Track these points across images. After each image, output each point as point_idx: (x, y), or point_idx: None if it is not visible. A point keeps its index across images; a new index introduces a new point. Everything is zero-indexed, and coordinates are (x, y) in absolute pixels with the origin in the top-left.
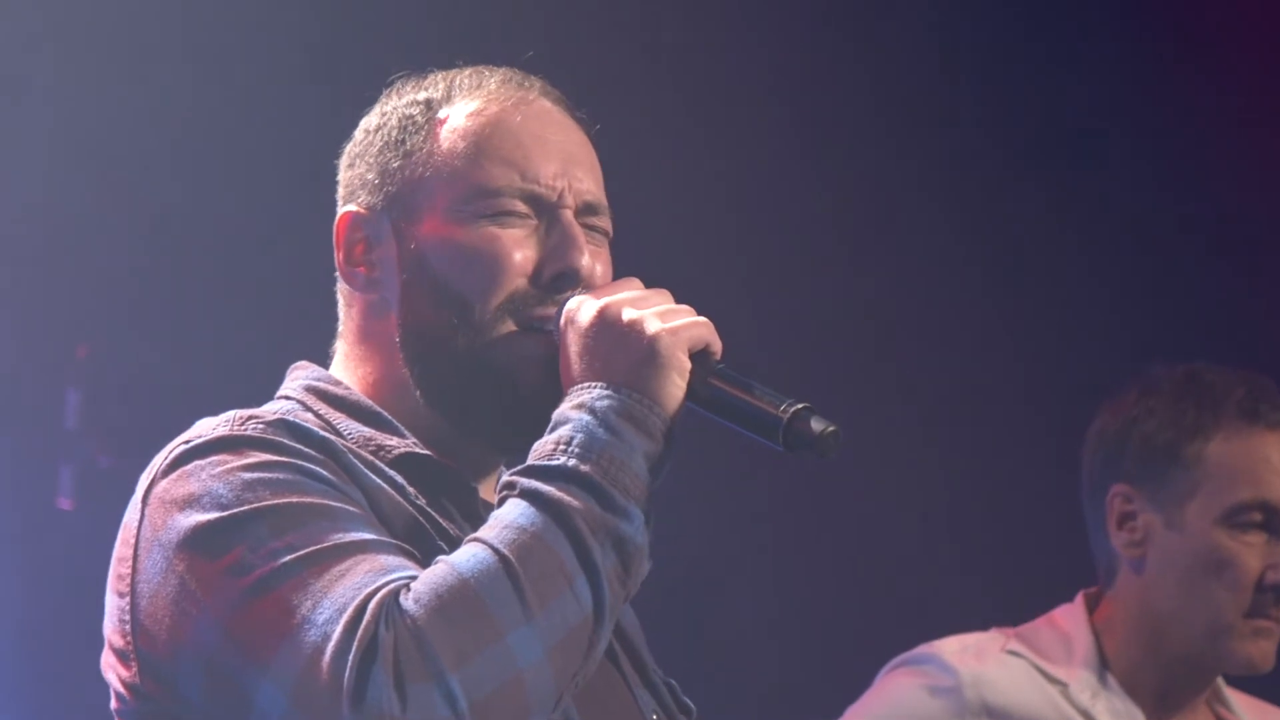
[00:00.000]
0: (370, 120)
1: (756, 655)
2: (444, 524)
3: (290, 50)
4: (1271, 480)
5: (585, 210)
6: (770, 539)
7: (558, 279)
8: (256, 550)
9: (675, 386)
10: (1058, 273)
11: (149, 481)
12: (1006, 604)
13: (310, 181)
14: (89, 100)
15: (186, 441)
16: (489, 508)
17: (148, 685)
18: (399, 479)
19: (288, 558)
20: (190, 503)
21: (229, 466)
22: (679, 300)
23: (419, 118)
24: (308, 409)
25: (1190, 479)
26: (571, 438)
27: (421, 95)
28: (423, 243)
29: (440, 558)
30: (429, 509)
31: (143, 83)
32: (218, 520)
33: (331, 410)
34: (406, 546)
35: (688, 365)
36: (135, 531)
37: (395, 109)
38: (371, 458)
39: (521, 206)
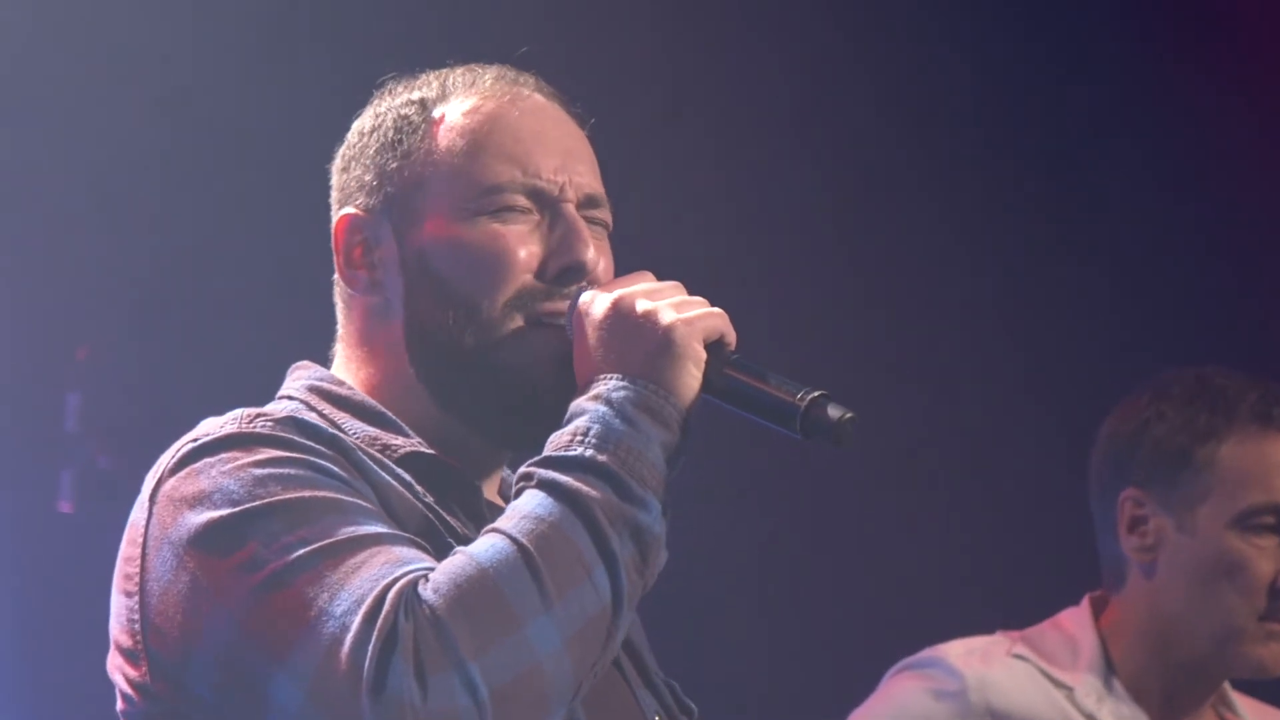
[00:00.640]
0: (363, 122)
1: (759, 658)
2: (451, 522)
3: (289, 52)
4: None
5: (586, 203)
6: (774, 540)
7: (564, 273)
8: (270, 545)
9: (691, 377)
10: (1067, 274)
11: (156, 480)
12: (1011, 607)
13: (310, 183)
14: (89, 102)
15: (194, 440)
16: (493, 507)
17: (158, 685)
18: (406, 477)
19: (302, 551)
20: (201, 500)
21: (240, 463)
22: (690, 293)
23: (415, 118)
24: (311, 409)
25: (1202, 483)
26: (588, 428)
27: (415, 95)
28: (424, 242)
29: (458, 548)
30: (437, 507)
31: (142, 84)
32: (230, 516)
33: (335, 410)
34: (419, 540)
35: (703, 355)
36: (143, 530)
37: (389, 110)
38: (379, 455)
39: (524, 202)
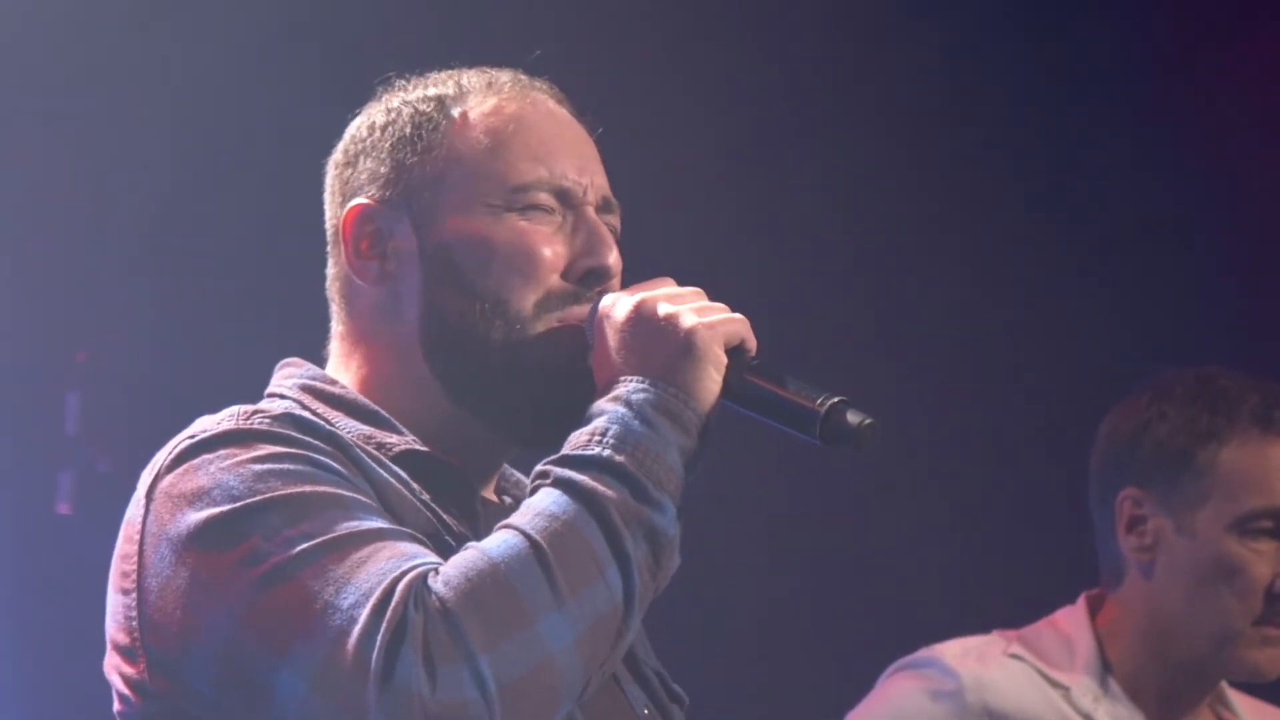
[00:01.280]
0: (373, 118)
1: (755, 657)
2: (448, 520)
3: (289, 54)
4: None
5: (603, 207)
6: (769, 540)
7: (588, 275)
8: (272, 539)
9: (711, 380)
10: (1066, 272)
11: (153, 477)
12: (1007, 605)
13: (311, 186)
14: (87, 105)
15: (191, 436)
16: (489, 505)
17: (156, 682)
18: (403, 474)
19: (305, 545)
20: (200, 496)
21: (238, 459)
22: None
23: (434, 114)
24: (304, 408)
25: (1202, 485)
26: (607, 429)
27: (432, 92)
28: (448, 236)
29: (470, 543)
30: (434, 504)
31: (142, 86)
32: (231, 511)
33: (328, 408)
34: (420, 536)
35: (724, 360)
36: (140, 527)
37: (405, 105)
38: (375, 453)
39: (550, 201)
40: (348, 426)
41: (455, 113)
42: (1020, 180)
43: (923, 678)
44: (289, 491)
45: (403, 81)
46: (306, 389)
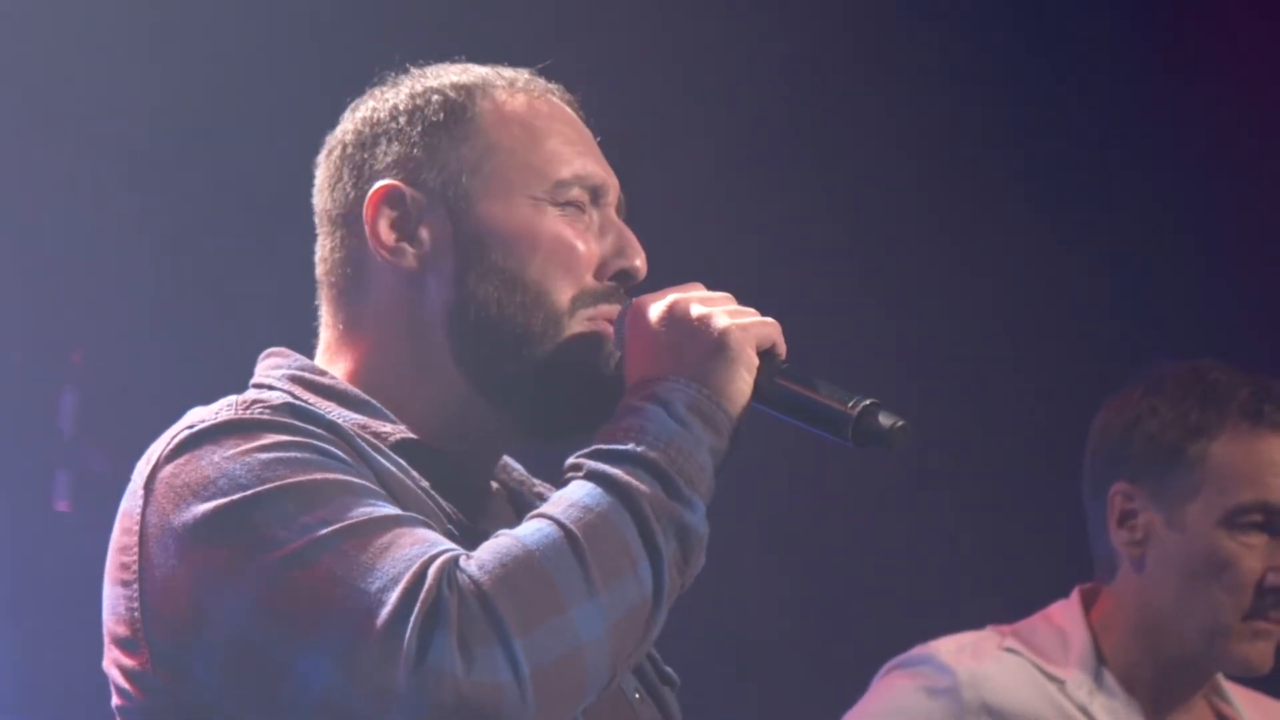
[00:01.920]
0: (394, 102)
1: (752, 658)
2: (448, 508)
3: (287, 54)
4: (1273, 482)
5: (620, 208)
6: (764, 537)
7: (618, 276)
8: (288, 526)
9: (743, 382)
10: (1060, 267)
11: (151, 468)
12: (999, 600)
13: (310, 186)
14: (85, 104)
15: (190, 427)
16: (486, 495)
17: (158, 674)
18: (402, 462)
19: (323, 531)
20: (205, 486)
21: (242, 449)
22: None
23: (466, 103)
24: (296, 398)
25: (1192, 479)
26: (642, 425)
27: (457, 80)
28: (486, 225)
29: (502, 530)
30: (434, 492)
31: (137, 87)
32: (240, 500)
33: (319, 399)
34: (431, 523)
35: (755, 361)
36: (139, 519)
37: (431, 92)
38: (374, 440)
39: (583, 198)
40: (341, 415)
41: (487, 104)
42: (1021, 178)
43: (919, 675)
44: (299, 479)
45: (414, 70)
46: (295, 380)
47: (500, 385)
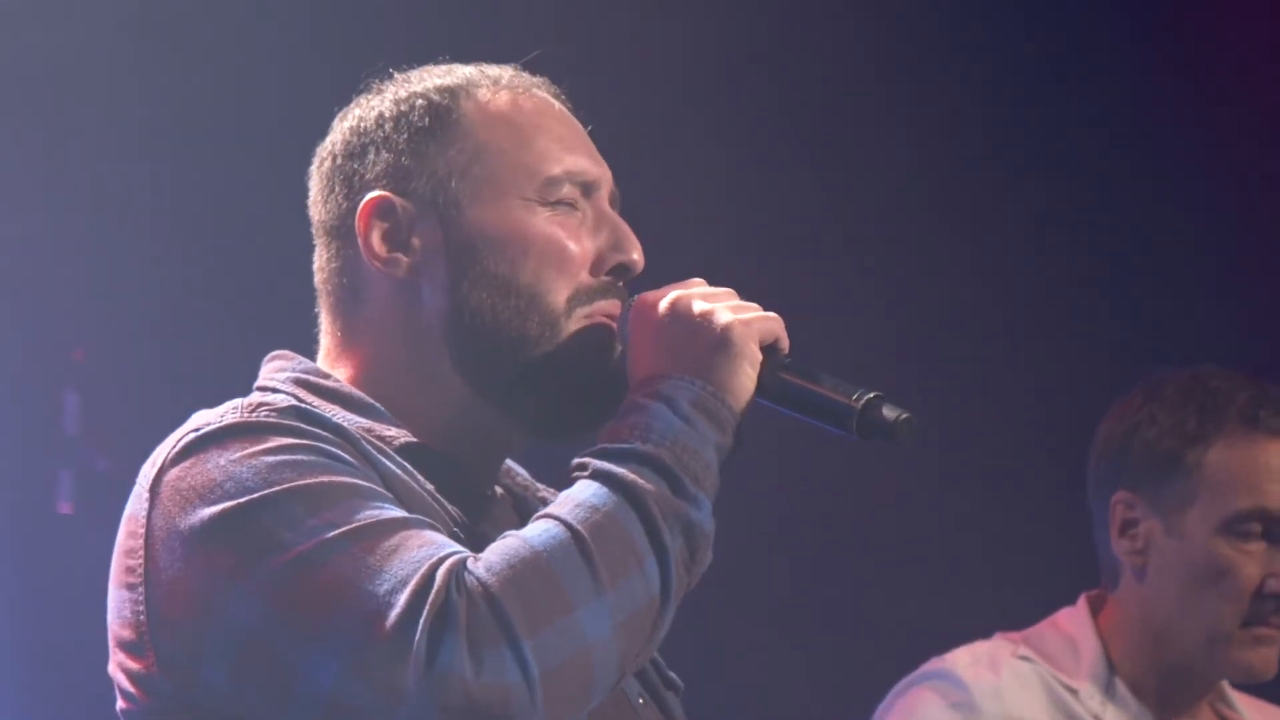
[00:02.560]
0: (380, 109)
1: (754, 663)
2: (453, 511)
3: (287, 55)
4: (1271, 489)
5: (613, 201)
6: (774, 540)
7: (616, 270)
8: (295, 528)
9: (747, 377)
10: (1070, 272)
11: (156, 471)
12: (1004, 607)
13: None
14: (89, 105)
15: (195, 430)
16: (489, 499)
17: (164, 677)
18: (407, 466)
19: (331, 534)
20: (211, 489)
21: (248, 452)
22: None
23: (450, 105)
24: (301, 401)
25: (1190, 486)
26: (646, 423)
27: (441, 83)
28: (476, 229)
29: (509, 532)
30: (439, 495)
31: (141, 87)
32: (247, 503)
33: (324, 402)
34: (438, 526)
35: (759, 356)
36: (144, 522)
37: (415, 97)
38: (379, 443)
39: (574, 195)
40: (346, 419)
41: (471, 105)
42: (1027, 174)
43: (940, 690)
44: (306, 482)
45: (399, 75)
46: (300, 383)
47: (501, 389)
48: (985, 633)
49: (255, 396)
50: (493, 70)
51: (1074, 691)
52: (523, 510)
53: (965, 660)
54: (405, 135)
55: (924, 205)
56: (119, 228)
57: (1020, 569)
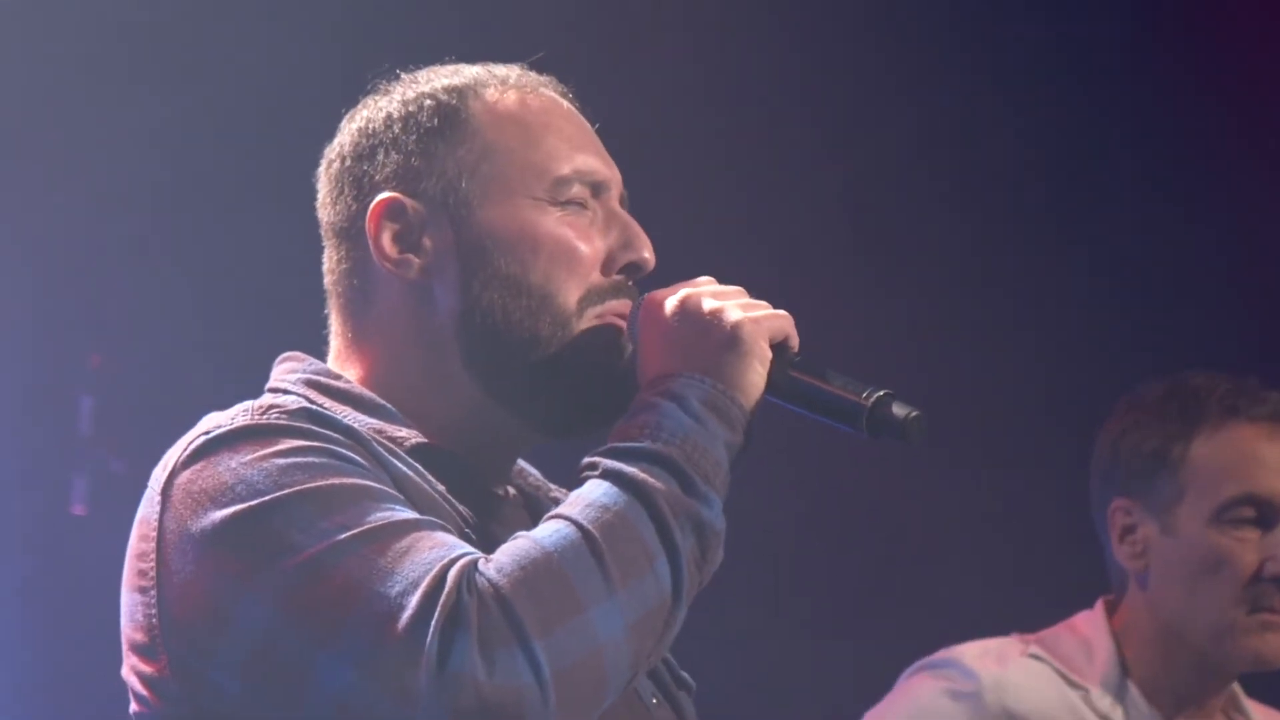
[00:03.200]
0: (388, 110)
1: (772, 657)
2: (464, 512)
3: (301, 59)
4: (1256, 473)
5: (623, 200)
6: (788, 540)
7: (627, 269)
8: (306, 531)
9: (757, 375)
10: (1082, 278)
11: (167, 474)
12: (1023, 611)
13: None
14: (104, 111)
15: (206, 433)
16: (499, 499)
17: (177, 680)
18: (418, 467)
19: (342, 536)
20: (223, 492)
21: (259, 454)
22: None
23: (458, 106)
24: (311, 403)
25: (1177, 482)
26: (656, 422)
27: (449, 83)
28: (486, 230)
29: (520, 532)
30: (450, 496)
31: (156, 91)
32: (258, 506)
33: (335, 404)
34: (449, 527)
35: (769, 354)
36: (156, 525)
37: (423, 97)
38: (391, 445)
39: (584, 194)
40: (357, 420)
41: (480, 105)
42: (1040, 175)
43: (942, 678)
44: (317, 484)
45: (406, 76)
46: (311, 384)
47: (513, 388)
48: (1003, 635)
49: (266, 398)
50: (500, 70)
51: (1084, 691)
52: (535, 510)
53: (974, 651)
54: (414, 136)
55: (938, 204)
56: (133, 232)
57: (1040, 573)
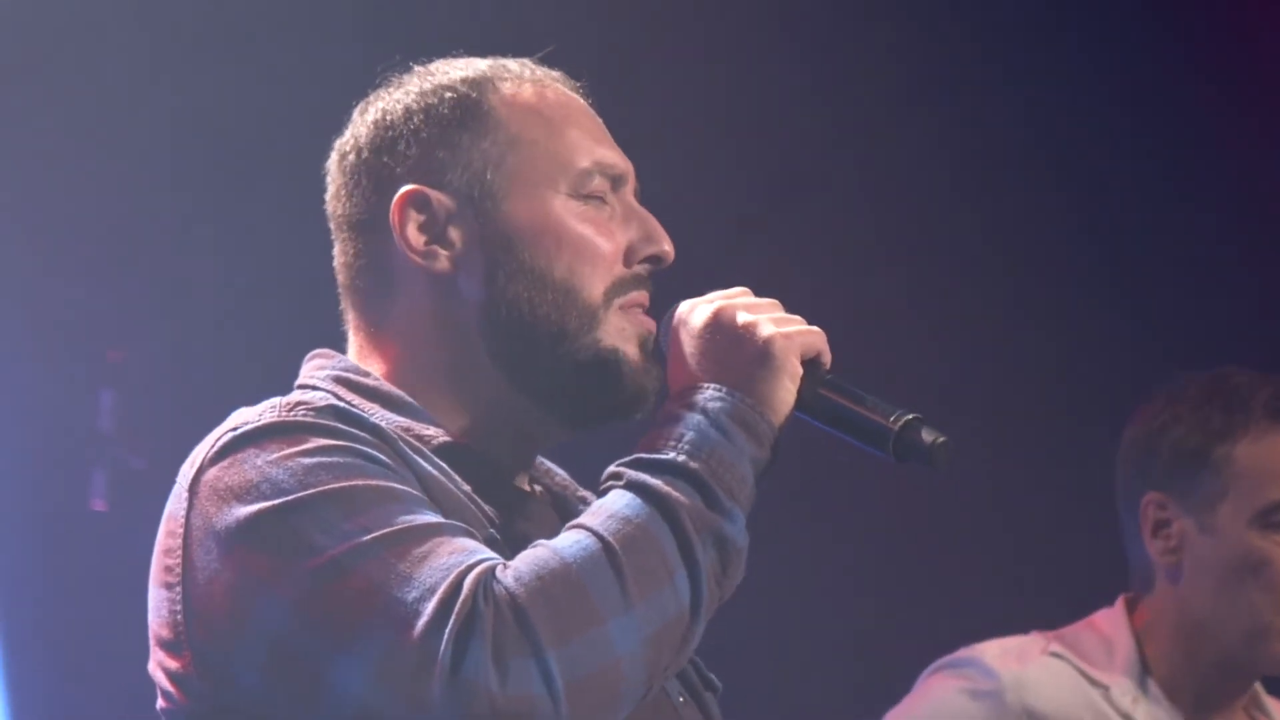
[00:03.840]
0: (405, 103)
1: (793, 656)
2: (490, 512)
3: (313, 55)
4: None
5: (635, 195)
6: (808, 539)
7: (647, 262)
8: (329, 532)
9: (786, 391)
10: (1100, 275)
11: (195, 471)
12: (1043, 607)
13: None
14: (122, 104)
15: (234, 429)
16: (523, 496)
17: (201, 676)
18: (445, 466)
19: (364, 539)
20: (248, 490)
21: (286, 453)
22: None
23: (478, 98)
24: (340, 400)
25: (1220, 482)
26: (682, 434)
27: (466, 75)
28: (512, 222)
29: (540, 541)
30: (476, 496)
31: (169, 88)
32: (282, 505)
33: (363, 400)
34: (472, 531)
35: (799, 371)
36: (183, 522)
37: (442, 89)
38: (417, 443)
39: (606, 187)
40: (384, 418)
41: (498, 98)
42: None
43: (963, 677)
44: (341, 485)
45: (418, 68)
46: (340, 380)
47: (539, 381)
48: (1023, 633)
49: (294, 395)
50: (512, 64)
51: (1104, 688)
52: (562, 510)
53: (994, 650)
54: (436, 128)
55: (974, 215)
56: (155, 227)
57: (1059, 569)
